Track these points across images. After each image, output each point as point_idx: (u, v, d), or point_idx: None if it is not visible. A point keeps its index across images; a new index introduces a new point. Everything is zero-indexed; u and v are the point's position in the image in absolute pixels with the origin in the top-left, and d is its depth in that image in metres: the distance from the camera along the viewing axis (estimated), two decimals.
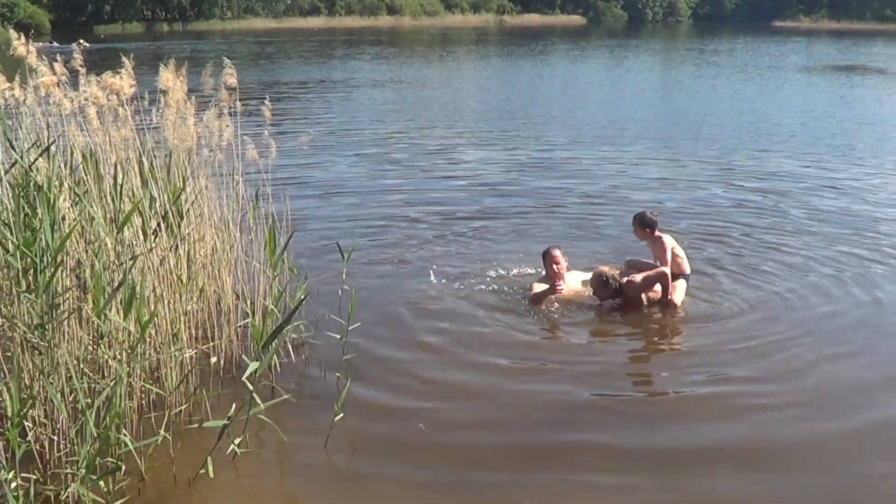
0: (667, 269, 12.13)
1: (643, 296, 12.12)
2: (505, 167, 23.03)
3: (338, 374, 9.17)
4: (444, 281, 13.05)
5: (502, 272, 13.41)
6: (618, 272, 12.22)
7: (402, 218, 17.11)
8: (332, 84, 44.42)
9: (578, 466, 8.25)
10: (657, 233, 12.58)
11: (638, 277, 12.05)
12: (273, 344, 8.26)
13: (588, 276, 12.50)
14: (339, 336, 9.02)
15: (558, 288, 12.03)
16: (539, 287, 12.24)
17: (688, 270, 12.55)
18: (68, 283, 8.67)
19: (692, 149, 25.96)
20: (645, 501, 7.82)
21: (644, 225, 12.60)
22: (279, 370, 9.71)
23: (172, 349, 8.82)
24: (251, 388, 7.69)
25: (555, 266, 12.25)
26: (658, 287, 12.16)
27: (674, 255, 12.45)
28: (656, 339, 11.61)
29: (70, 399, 7.57)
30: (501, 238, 15.78)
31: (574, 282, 12.50)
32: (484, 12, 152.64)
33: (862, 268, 14.03)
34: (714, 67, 62.87)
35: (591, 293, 12.32)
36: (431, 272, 12.73)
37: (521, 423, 9.00)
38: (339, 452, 8.27)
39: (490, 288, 12.69)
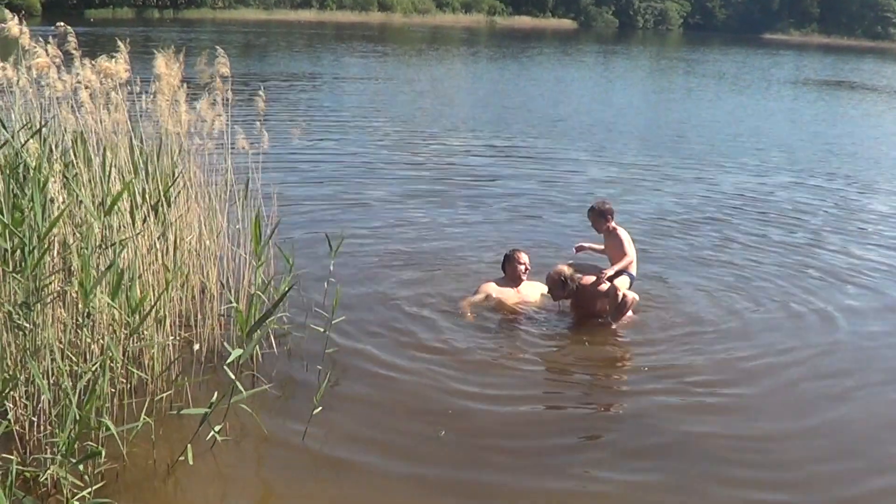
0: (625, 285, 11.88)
1: (598, 302, 11.84)
2: (491, 162, 23.50)
3: (319, 367, 9.16)
4: (433, 275, 13.22)
5: (489, 261, 13.63)
6: (577, 273, 11.89)
7: (393, 210, 17.27)
8: (323, 77, 44.30)
9: (568, 470, 8.30)
10: (613, 224, 12.25)
11: (603, 286, 11.75)
12: (256, 333, 8.27)
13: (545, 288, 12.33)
14: (322, 329, 9.02)
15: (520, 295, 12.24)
16: (494, 289, 12.24)
17: (634, 272, 12.26)
18: (55, 265, 8.66)
19: (680, 159, 26.06)
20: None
21: (602, 214, 12.23)
22: (261, 360, 9.71)
23: (157, 336, 8.82)
24: (232, 376, 7.70)
25: (520, 266, 12.24)
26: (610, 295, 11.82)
27: (625, 251, 12.11)
28: (623, 343, 11.54)
29: (52, 381, 7.57)
30: (486, 230, 16.18)
31: (533, 292, 12.44)
32: (475, 12, 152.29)
33: (829, 282, 14.30)
34: (704, 78, 63.02)
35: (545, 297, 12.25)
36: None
37: (503, 424, 9.02)
38: (316, 445, 8.27)
39: (473, 285, 12.67)
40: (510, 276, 12.33)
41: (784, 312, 12.61)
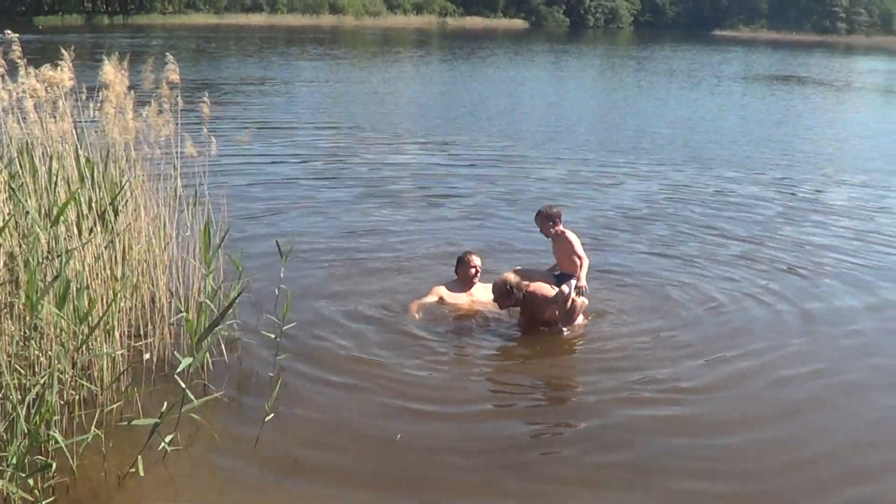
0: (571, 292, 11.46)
1: (546, 309, 11.55)
2: (444, 163, 23.60)
3: (270, 374, 9.14)
4: (385, 278, 13.21)
5: (442, 264, 13.54)
6: (523, 281, 11.62)
7: (345, 213, 17.27)
8: (274, 81, 44.08)
9: (527, 488, 8.21)
10: (561, 228, 12.12)
11: (550, 291, 11.57)
12: (206, 341, 8.23)
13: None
14: (273, 336, 8.99)
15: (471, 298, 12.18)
16: (445, 292, 12.23)
17: (583, 276, 11.96)
18: (1, 276, 8.58)
19: (629, 156, 26.14)
20: None
21: (549, 218, 12.11)
22: (212, 369, 9.65)
23: (106, 346, 8.75)
24: (183, 385, 7.65)
25: (472, 270, 12.23)
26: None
27: (577, 254, 11.96)
28: (577, 351, 11.37)
29: (0, 395, 7.49)
30: (440, 232, 16.17)
31: (486, 294, 12.24)
32: (426, 14, 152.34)
33: (784, 276, 14.37)
34: (655, 75, 63.29)
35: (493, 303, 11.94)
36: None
37: (458, 439, 8.91)
38: (268, 453, 8.24)
39: (425, 287, 12.61)
40: (462, 279, 12.32)
41: (752, 311, 12.62)
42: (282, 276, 9.40)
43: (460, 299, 12.14)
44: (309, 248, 14.06)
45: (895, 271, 14.98)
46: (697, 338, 11.57)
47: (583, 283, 11.75)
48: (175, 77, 10.15)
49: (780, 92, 53.91)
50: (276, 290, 10.01)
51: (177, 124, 10.28)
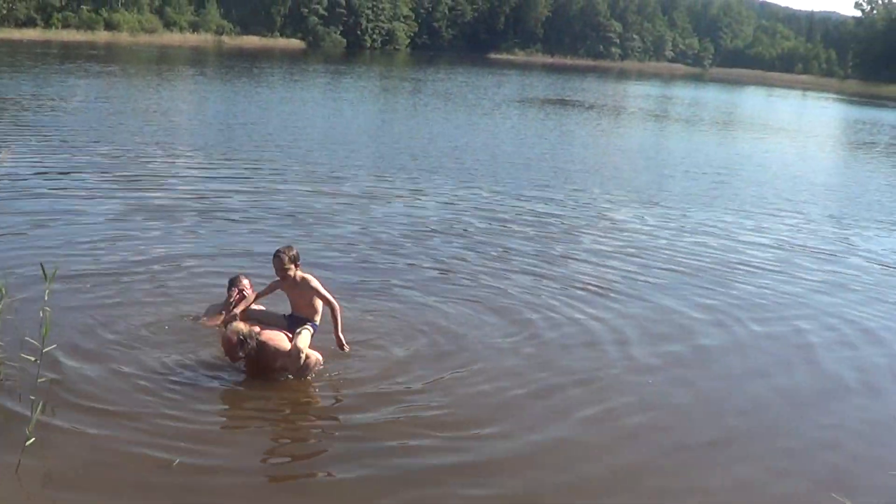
0: (298, 348, 10.89)
1: (279, 359, 10.86)
2: (216, 182, 23.41)
3: (32, 398, 9.03)
4: (149, 300, 13.04)
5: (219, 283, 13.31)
6: (255, 329, 10.81)
7: (117, 231, 17.00)
8: (47, 97, 42.85)
9: None
10: (301, 273, 11.39)
11: (285, 344, 10.89)
12: None
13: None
14: (33, 358, 8.89)
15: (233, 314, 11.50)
16: (216, 311, 12.22)
17: (318, 320, 11.50)
18: None
19: (406, 175, 26.59)
20: None
21: (291, 261, 11.27)
22: None
23: None
24: None
25: (243, 292, 12.11)
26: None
27: (325, 298, 11.39)
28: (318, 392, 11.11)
29: None
30: (214, 248, 16.16)
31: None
32: (203, 32, 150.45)
33: (540, 293, 14.79)
34: (432, 97, 63.77)
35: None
36: None
37: (223, 456, 9.02)
38: (30, 478, 8.14)
39: (196, 309, 12.61)
40: (230, 301, 12.18)
41: (543, 333, 13.02)
42: (46, 297, 9.30)
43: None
44: (76, 266, 13.86)
45: (677, 284, 15.92)
46: (471, 359, 11.90)
47: (346, 346, 11.39)
48: None
49: (555, 115, 55.38)
50: (42, 312, 9.90)
51: None
